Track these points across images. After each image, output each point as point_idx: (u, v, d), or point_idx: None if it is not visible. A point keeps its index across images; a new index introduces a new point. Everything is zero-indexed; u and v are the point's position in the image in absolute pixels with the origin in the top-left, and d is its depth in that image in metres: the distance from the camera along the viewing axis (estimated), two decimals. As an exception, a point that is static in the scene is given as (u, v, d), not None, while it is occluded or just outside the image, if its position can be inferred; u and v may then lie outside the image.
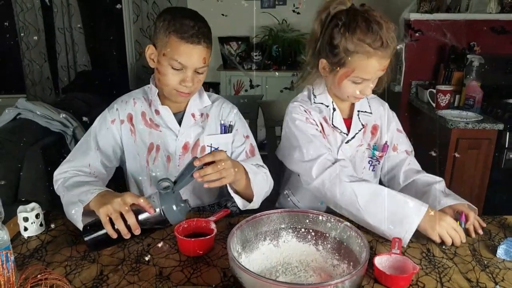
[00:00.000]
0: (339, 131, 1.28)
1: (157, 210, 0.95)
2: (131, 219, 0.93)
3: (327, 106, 1.29)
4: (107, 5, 3.85)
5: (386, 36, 1.11)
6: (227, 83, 3.43)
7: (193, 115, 1.29)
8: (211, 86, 3.56)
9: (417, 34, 2.52)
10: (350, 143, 1.28)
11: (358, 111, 1.31)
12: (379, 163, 1.35)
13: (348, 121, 1.30)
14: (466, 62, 2.39)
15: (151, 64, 1.22)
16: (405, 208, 1.06)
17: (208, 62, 1.20)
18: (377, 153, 1.32)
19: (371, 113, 1.33)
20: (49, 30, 3.68)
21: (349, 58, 1.13)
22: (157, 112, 1.27)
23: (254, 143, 1.36)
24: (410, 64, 2.62)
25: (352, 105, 1.31)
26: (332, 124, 1.28)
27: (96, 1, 3.84)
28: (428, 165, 2.38)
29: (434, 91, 2.37)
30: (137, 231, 0.94)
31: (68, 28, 3.66)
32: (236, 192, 1.16)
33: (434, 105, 2.38)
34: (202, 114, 1.31)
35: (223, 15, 3.42)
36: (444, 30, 2.45)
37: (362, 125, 1.30)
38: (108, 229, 0.93)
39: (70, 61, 3.75)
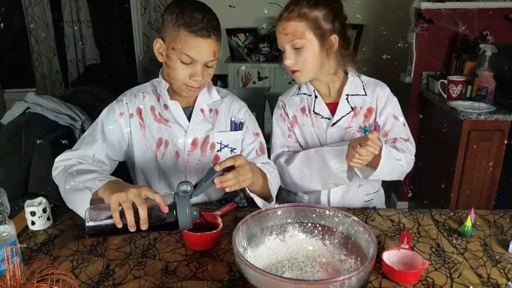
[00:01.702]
0: (321, 116, 1.33)
1: (168, 210, 0.91)
2: (143, 212, 0.88)
3: (310, 96, 1.35)
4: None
5: None
6: (235, 75, 3.40)
7: (202, 111, 1.28)
8: (219, 79, 3.54)
9: (428, 24, 2.46)
10: (336, 125, 1.32)
11: (347, 94, 1.32)
12: None
13: (336, 105, 1.33)
14: (479, 52, 2.33)
15: (160, 58, 1.21)
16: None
17: (217, 55, 1.18)
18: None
19: (365, 94, 1.32)
20: (58, 24, 3.69)
21: None
22: (165, 106, 1.26)
23: (264, 141, 1.36)
24: (421, 54, 2.57)
25: (341, 88, 1.33)
26: (314, 111, 1.33)
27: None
28: (439, 157, 2.37)
29: (446, 81, 2.32)
30: (144, 226, 0.89)
31: (76, 21, 3.66)
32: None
33: (445, 96, 2.33)
34: (211, 110, 1.30)
35: (230, 6, 3.39)
36: (456, 19, 2.39)
37: (352, 108, 1.32)
38: (115, 217, 0.87)
39: (79, 54, 3.76)
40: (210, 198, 1.36)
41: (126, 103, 1.26)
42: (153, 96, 1.29)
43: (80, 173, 1.08)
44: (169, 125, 1.26)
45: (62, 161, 1.17)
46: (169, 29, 1.14)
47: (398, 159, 1.24)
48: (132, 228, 0.89)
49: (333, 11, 1.23)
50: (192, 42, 1.12)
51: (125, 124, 1.26)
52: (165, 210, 0.90)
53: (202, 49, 1.14)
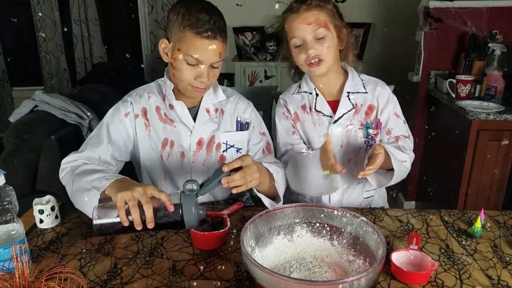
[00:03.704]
0: (323, 114, 1.33)
1: (174, 209, 0.91)
2: (148, 211, 0.87)
3: (311, 93, 1.34)
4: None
5: None
6: (241, 74, 3.40)
7: (207, 111, 1.28)
8: (225, 77, 3.54)
9: (436, 23, 2.44)
10: (338, 123, 1.31)
11: (348, 92, 1.32)
12: (375, 142, 1.34)
13: (336, 103, 1.33)
14: (488, 51, 2.31)
15: (165, 58, 1.20)
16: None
17: (223, 56, 1.17)
18: (371, 131, 1.31)
19: (366, 92, 1.32)
20: (66, 22, 3.71)
21: None
22: (171, 106, 1.26)
23: (270, 140, 1.36)
24: (429, 53, 2.55)
25: (341, 86, 1.33)
26: (315, 109, 1.32)
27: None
28: (447, 157, 2.35)
29: (454, 81, 2.30)
30: (151, 225, 0.88)
31: (84, 20, 3.68)
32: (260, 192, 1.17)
33: (453, 95, 2.31)
34: (216, 110, 1.30)
35: (237, 5, 3.39)
36: (464, 18, 2.37)
37: (353, 105, 1.31)
38: (121, 215, 0.87)
39: (87, 53, 3.78)
40: (216, 197, 1.35)
41: (131, 103, 1.26)
42: (158, 96, 1.28)
43: (87, 173, 1.08)
44: (174, 125, 1.26)
45: (69, 162, 1.17)
46: (175, 30, 1.13)
47: (404, 161, 1.24)
48: (138, 227, 0.88)
49: (336, 8, 1.26)
50: (198, 44, 1.11)
51: (130, 125, 1.25)
52: (171, 208, 0.90)
53: (208, 51, 1.12)
